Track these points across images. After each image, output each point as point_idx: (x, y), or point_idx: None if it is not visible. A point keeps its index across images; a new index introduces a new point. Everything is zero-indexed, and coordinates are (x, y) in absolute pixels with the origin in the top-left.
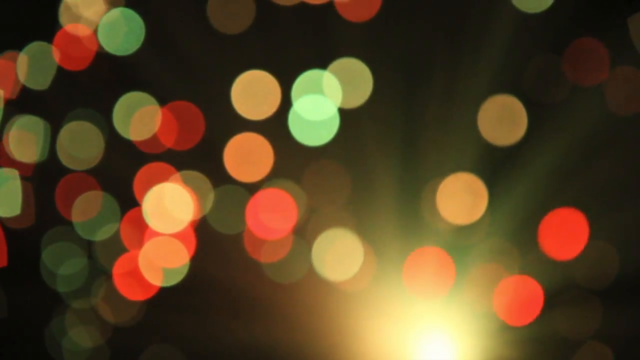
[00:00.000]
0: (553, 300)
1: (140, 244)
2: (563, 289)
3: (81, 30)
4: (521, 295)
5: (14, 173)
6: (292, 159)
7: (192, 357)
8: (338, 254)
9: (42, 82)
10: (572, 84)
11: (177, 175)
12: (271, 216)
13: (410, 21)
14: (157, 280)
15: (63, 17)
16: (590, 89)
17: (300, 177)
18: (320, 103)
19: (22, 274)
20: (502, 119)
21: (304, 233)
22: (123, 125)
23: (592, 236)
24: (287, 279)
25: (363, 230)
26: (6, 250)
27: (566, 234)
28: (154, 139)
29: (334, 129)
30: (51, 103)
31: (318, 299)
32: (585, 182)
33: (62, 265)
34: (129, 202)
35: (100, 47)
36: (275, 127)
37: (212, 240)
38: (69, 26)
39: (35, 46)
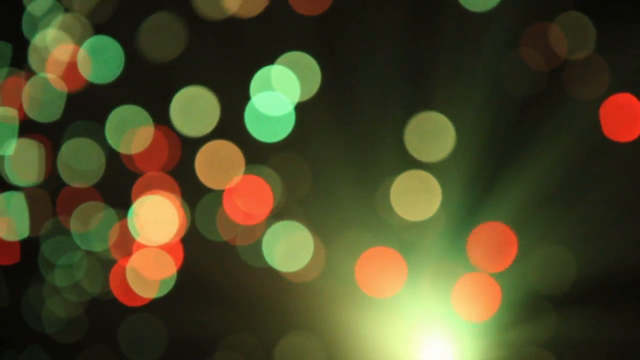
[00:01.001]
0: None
1: (128, 255)
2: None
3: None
4: (479, 292)
5: (20, 195)
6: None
7: (171, 327)
8: (289, 247)
9: (50, 113)
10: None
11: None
12: (247, 202)
13: (362, 16)
14: (145, 292)
15: (32, 60)
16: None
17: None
18: (277, 100)
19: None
20: (429, 136)
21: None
22: (116, 137)
23: (548, 241)
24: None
25: (316, 225)
26: (19, 247)
27: (495, 247)
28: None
29: (289, 126)
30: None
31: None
32: (542, 183)
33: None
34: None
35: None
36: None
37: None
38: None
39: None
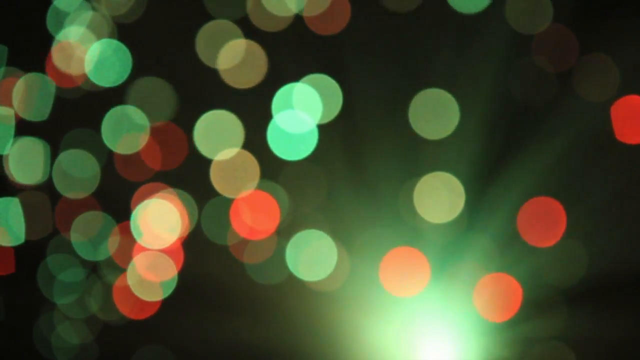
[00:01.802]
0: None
1: (129, 259)
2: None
3: (74, 69)
4: (500, 292)
5: (15, 201)
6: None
7: (180, 354)
8: (312, 254)
9: (40, 112)
10: (542, 72)
11: (165, 190)
12: (255, 216)
13: (380, 32)
14: (146, 295)
15: (55, 56)
16: (565, 83)
17: (279, 177)
18: (299, 118)
19: (20, 278)
20: (434, 113)
21: (287, 234)
22: (112, 138)
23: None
24: (272, 280)
25: (339, 229)
26: (14, 257)
27: (544, 221)
28: (139, 161)
29: (312, 144)
30: (48, 125)
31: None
32: (560, 180)
33: (61, 273)
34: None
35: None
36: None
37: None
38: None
39: (32, 76)
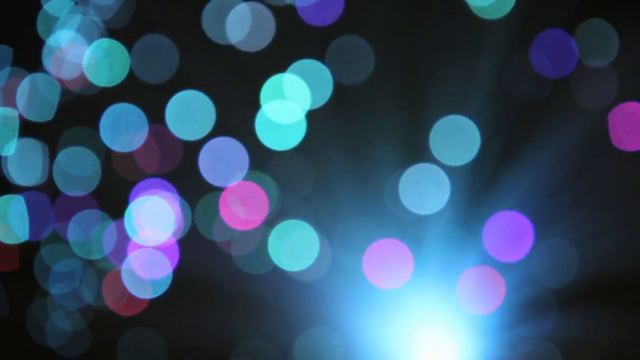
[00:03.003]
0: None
1: (123, 257)
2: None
3: (66, 74)
4: (483, 284)
5: (19, 199)
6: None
7: (171, 342)
8: (295, 245)
9: (44, 112)
10: (540, 77)
11: (160, 187)
12: (243, 207)
13: (374, 25)
14: (140, 292)
15: (45, 60)
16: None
17: (267, 167)
18: (287, 108)
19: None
20: (454, 139)
21: (272, 224)
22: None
23: (551, 235)
24: (259, 270)
25: (323, 220)
26: (18, 253)
27: (511, 236)
28: (137, 160)
29: (300, 134)
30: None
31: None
32: (548, 178)
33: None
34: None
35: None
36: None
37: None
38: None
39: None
